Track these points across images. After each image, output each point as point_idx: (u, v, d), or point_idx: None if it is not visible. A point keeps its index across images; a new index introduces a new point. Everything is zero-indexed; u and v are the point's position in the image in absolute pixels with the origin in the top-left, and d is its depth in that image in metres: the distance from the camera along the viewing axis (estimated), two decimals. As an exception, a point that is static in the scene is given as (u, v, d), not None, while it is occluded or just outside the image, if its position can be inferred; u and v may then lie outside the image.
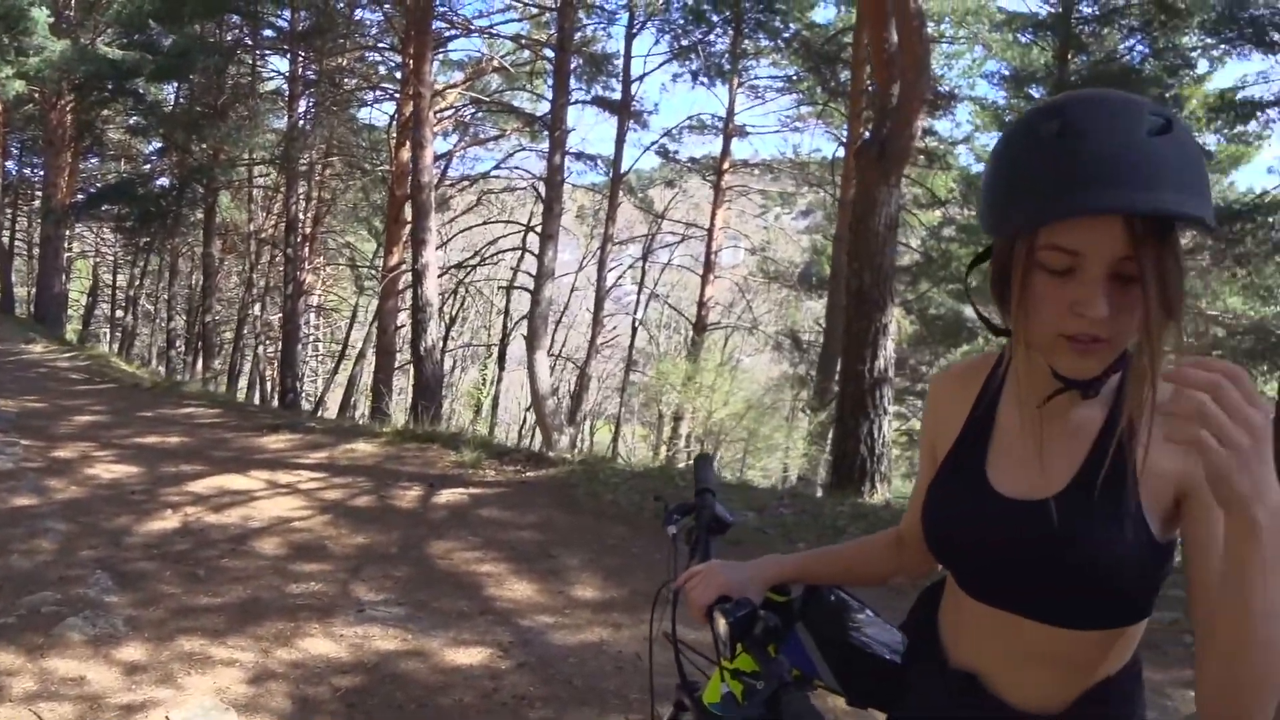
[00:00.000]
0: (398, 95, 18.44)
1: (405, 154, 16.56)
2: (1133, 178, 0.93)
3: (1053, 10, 19.09)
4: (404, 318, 18.49)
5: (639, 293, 26.50)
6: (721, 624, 1.44)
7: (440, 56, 20.25)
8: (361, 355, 23.99)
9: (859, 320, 8.37)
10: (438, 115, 19.24)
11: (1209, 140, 19.64)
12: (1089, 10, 19.20)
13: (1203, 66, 19.33)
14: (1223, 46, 18.86)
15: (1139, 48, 19.09)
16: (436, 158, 19.69)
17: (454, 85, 20.70)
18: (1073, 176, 0.95)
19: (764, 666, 1.37)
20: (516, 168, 21.84)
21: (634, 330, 24.84)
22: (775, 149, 52.33)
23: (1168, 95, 18.61)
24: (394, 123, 19.23)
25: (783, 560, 1.53)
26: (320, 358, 29.04)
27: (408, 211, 16.09)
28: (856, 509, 6.70)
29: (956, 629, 1.25)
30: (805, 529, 6.09)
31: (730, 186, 23.48)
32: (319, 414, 17.83)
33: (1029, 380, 1.14)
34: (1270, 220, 17.09)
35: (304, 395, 23.12)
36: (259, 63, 21.65)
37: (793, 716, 1.25)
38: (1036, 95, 18.43)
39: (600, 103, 20.90)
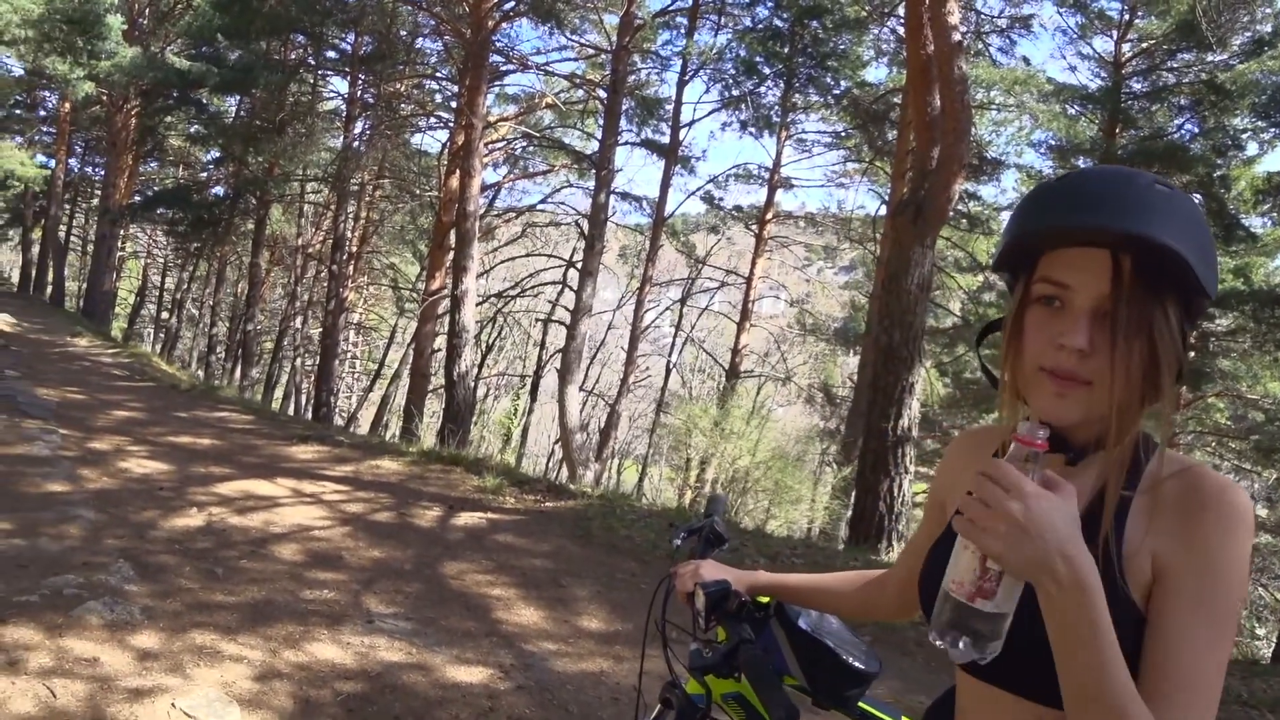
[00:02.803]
0: (451, 124, 18.87)
1: (454, 182, 16.90)
2: (1122, 210, 1.00)
3: (1102, 84, 19.15)
4: (441, 342, 18.72)
5: (675, 335, 26.61)
6: (700, 598, 1.60)
7: (496, 90, 20.70)
8: (397, 376, 24.30)
9: (886, 376, 8.41)
10: (489, 146, 19.60)
11: (1255, 223, 19.53)
12: (1139, 86, 19.26)
13: (1252, 149, 19.23)
14: (1273, 130, 18.83)
15: (1188, 126, 19.08)
16: (485, 188, 20.01)
17: (507, 118, 21.10)
18: (1067, 204, 1.04)
19: (729, 631, 1.55)
20: (562, 203, 22.15)
21: (667, 372, 24.91)
22: (820, 202, 52.36)
23: (1215, 175, 18.58)
24: (445, 150, 19.64)
25: (768, 574, 1.68)
26: (357, 375, 29.43)
27: (452, 238, 16.37)
28: (869, 564, 6.71)
29: (962, 708, 1.23)
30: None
31: (772, 236, 23.62)
32: (350, 430, 18.05)
33: (1010, 419, 1.14)
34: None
35: (338, 410, 23.44)
36: (320, 82, 22.22)
37: (745, 663, 1.46)
38: (1083, 167, 18.40)
39: (649, 145, 21.13)
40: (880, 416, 8.36)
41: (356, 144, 20.64)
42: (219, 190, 23.80)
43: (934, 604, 1.13)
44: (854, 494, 9.23)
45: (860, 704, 1.65)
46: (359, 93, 21.01)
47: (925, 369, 16.28)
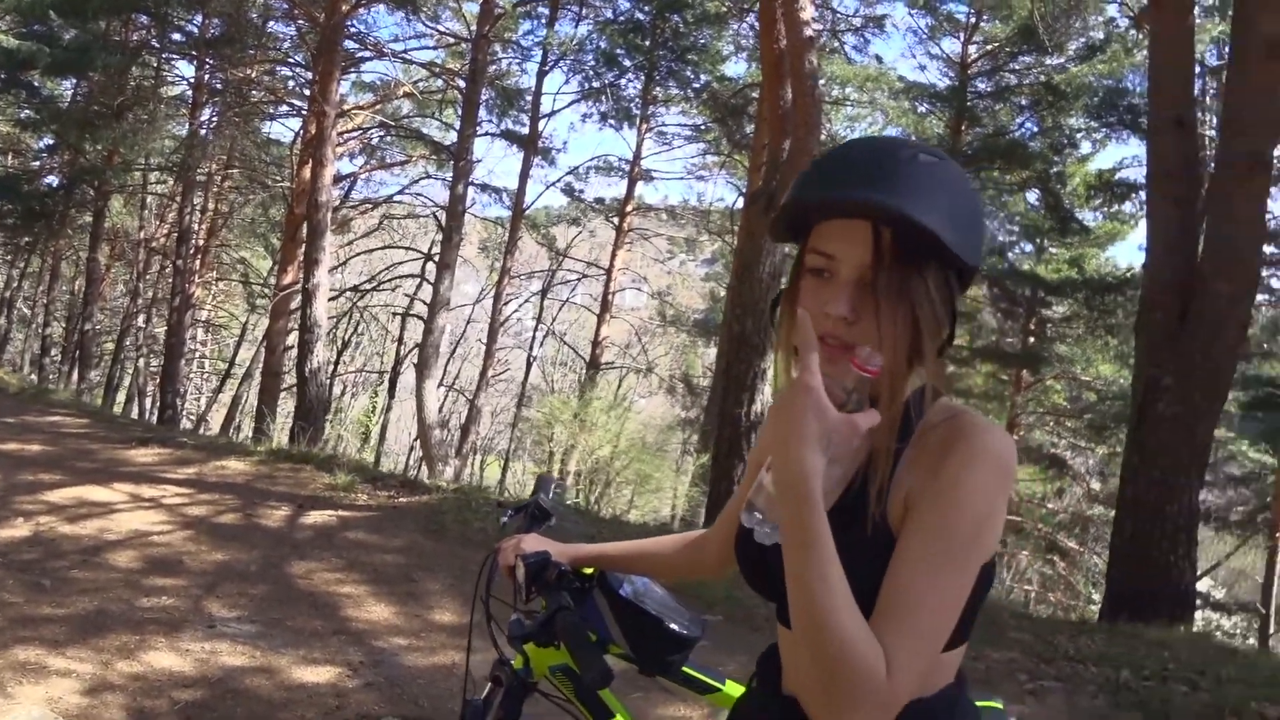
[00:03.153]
0: (304, 112, 18.25)
1: (307, 172, 16.38)
2: (879, 184, 1.03)
3: (950, 84, 19.97)
4: (294, 339, 18.16)
5: (536, 328, 26.53)
6: (520, 569, 1.62)
7: (351, 77, 20.15)
8: (248, 375, 23.44)
9: (739, 364, 8.59)
10: (344, 136, 19.11)
11: (1088, 216, 20.73)
12: (984, 86, 20.17)
13: (1086, 147, 20.39)
14: (1104, 130, 20.04)
15: (1028, 125, 20.09)
16: (340, 178, 19.50)
17: (362, 107, 20.58)
18: (826, 175, 1.09)
19: (549, 600, 1.59)
20: (420, 195, 21.83)
21: (528, 366, 24.85)
22: (680, 195, 53.04)
23: (1053, 171, 19.63)
24: (298, 139, 19.03)
25: (589, 545, 1.71)
26: (205, 375, 28.20)
27: (305, 231, 15.90)
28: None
29: (785, 656, 1.24)
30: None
31: (633, 229, 23.78)
32: (200, 432, 17.34)
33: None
34: (1140, 294, 18.14)
35: (185, 413, 22.44)
36: (164, 66, 21.07)
37: (562, 629, 1.48)
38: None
39: (508, 136, 21.03)
40: (734, 403, 8.54)
41: (203, 131, 19.78)
42: (52, 180, 22.35)
43: (739, 563, 1.27)
44: (710, 479, 9.41)
45: (684, 669, 1.69)
46: (206, 77, 20.06)
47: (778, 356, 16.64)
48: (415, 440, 21.00)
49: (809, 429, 0.97)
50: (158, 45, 20.15)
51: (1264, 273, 17.76)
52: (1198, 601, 11.94)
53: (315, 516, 6.98)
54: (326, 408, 15.82)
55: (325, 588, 5.42)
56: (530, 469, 24.15)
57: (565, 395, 20.90)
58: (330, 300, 17.80)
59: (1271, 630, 17.31)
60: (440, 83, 20.40)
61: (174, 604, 4.84)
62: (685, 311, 25.79)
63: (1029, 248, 21.29)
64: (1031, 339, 20.89)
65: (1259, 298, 19.24)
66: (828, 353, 1.05)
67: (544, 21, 20.01)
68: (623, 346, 26.44)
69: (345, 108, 18.82)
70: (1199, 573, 10.90)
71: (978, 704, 1.48)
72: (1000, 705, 1.53)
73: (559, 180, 22.72)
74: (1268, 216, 9.18)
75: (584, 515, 8.70)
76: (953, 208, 1.06)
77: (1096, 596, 17.69)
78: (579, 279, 26.41)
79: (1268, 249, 18.27)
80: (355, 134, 20.75)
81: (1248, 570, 24.57)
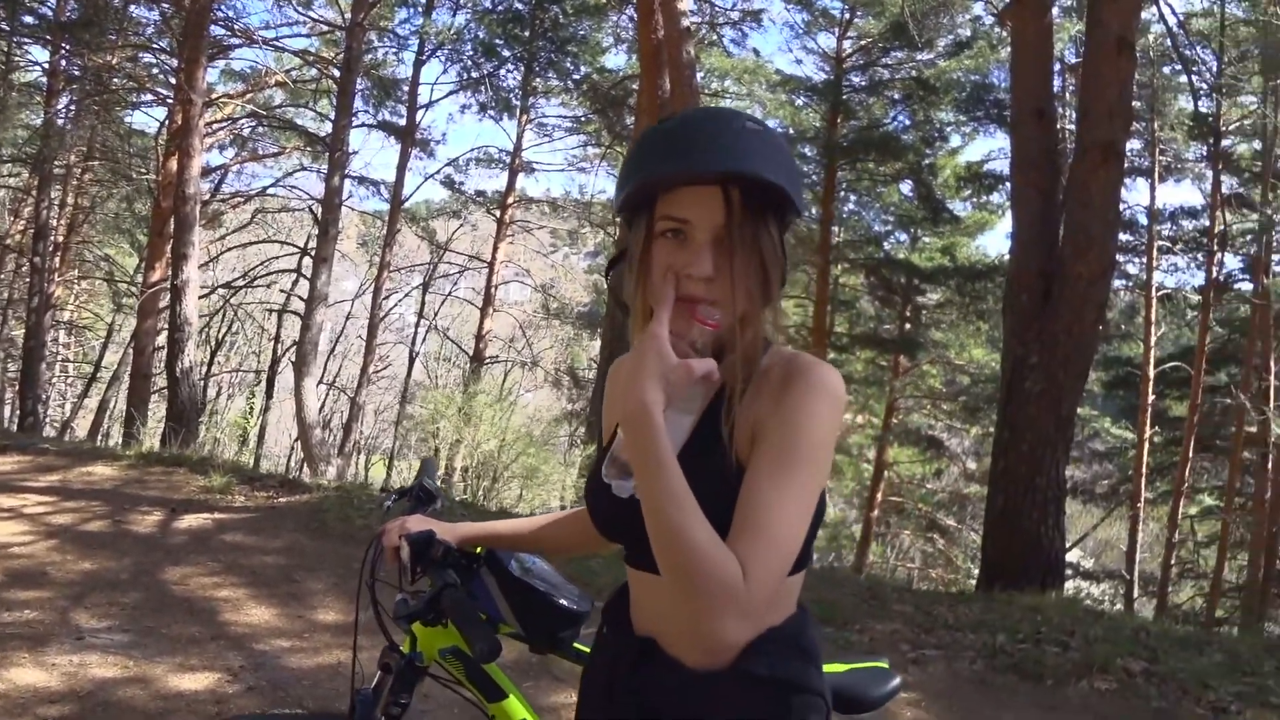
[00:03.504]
0: (170, 101, 17.47)
1: (174, 163, 15.69)
2: (726, 152, 1.14)
3: (826, 77, 20.44)
4: (164, 339, 17.41)
5: (418, 324, 26.10)
6: (405, 549, 1.59)
7: (220, 65, 19.42)
8: (116, 378, 22.39)
9: (620, 353, 8.61)
10: (212, 126, 18.42)
11: (959, 207, 21.51)
12: (858, 80, 20.71)
13: (955, 140, 21.13)
14: (972, 123, 20.81)
15: (901, 118, 20.72)
16: (209, 170, 18.82)
17: (232, 96, 19.82)
18: (676, 148, 1.17)
19: (435, 579, 1.57)
20: (295, 187, 21.20)
21: (411, 361, 24.43)
22: (562, 187, 52.98)
23: (924, 163, 20.29)
24: (164, 130, 18.21)
25: (476, 524, 1.70)
26: (70, 380, 26.84)
27: (172, 225, 15.25)
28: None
29: (636, 600, 1.31)
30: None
31: (515, 221, 23.60)
32: (64, 439, 16.51)
33: None
34: (1006, 277, 18.98)
35: (48, 419, 21.33)
36: (15, 50, 19.88)
37: (448, 605, 1.47)
38: (808, 153, 19.57)
39: (385, 127, 20.62)
40: (615, 392, 8.56)
41: (60, 121, 18.74)
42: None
43: (593, 517, 1.34)
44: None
45: (575, 645, 1.68)
46: (63, 63, 18.99)
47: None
48: (296, 440, 20.47)
49: (650, 367, 1.08)
50: (8, 28, 18.96)
51: (1120, 258, 18.76)
52: (1068, 571, 12.56)
53: (190, 520, 6.72)
54: (200, 409, 15.23)
55: (202, 592, 5.23)
56: (416, 467, 23.70)
57: (449, 390, 20.61)
58: (201, 298, 17.14)
59: (1136, 594, 18.35)
60: (314, 72, 19.82)
61: (38, 617, 4.60)
62: (569, 304, 25.72)
63: (904, 237, 22.01)
64: (907, 325, 21.57)
65: (1117, 283, 20.35)
66: (689, 312, 1.16)
67: (421, 10, 19.68)
68: (507, 340, 26.22)
69: (213, 97, 18.12)
70: (1068, 543, 11.48)
71: (864, 665, 1.54)
72: (886, 665, 1.59)
73: (438, 172, 22.39)
74: (1121, 204, 9.67)
75: (471, 509, 8.61)
76: (786, 166, 1.19)
77: (975, 570, 18.44)
78: (461, 273, 26.11)
79: (1123, 236, 19.33)
80: (225, 124, 19.99)
81: (1113, 540, 25.97)
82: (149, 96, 19.64)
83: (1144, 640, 4.87)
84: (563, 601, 1.64)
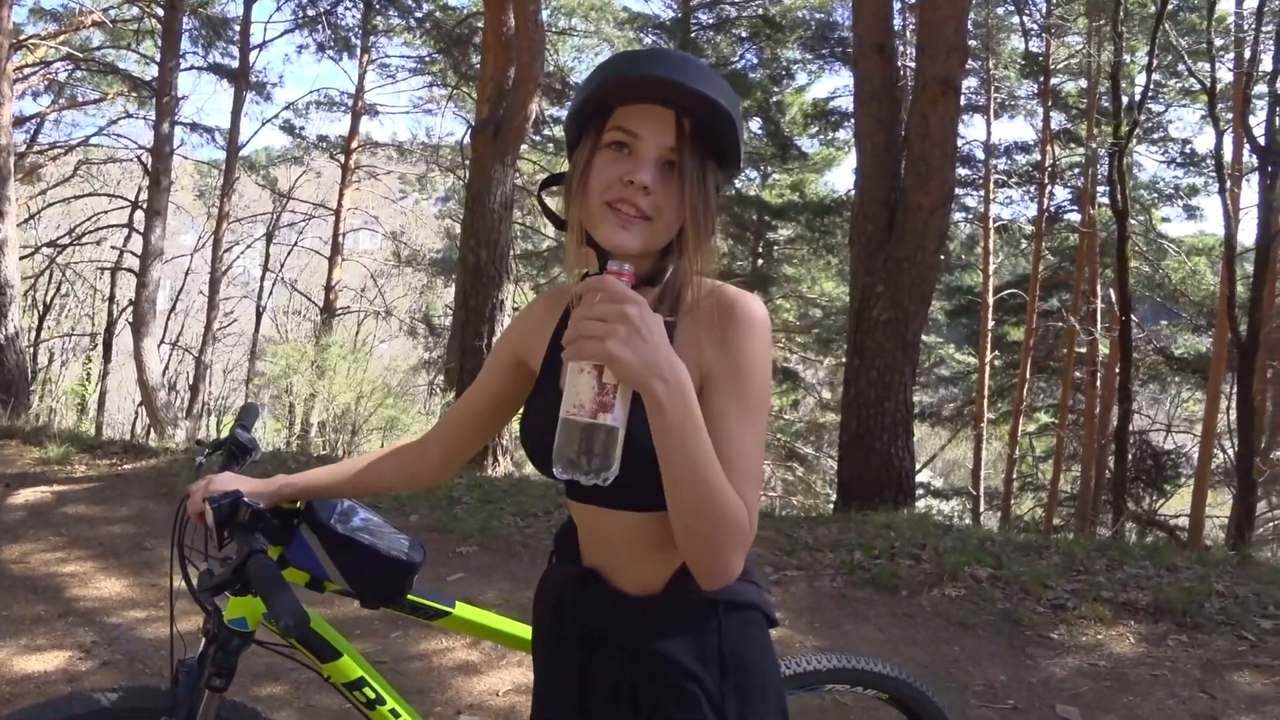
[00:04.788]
0: (-31, 45, 16.10)
1: (-21, 114, 14.52)
2: (684, 71, 1.16)
3: (673, 15, 20.44)
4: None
5: (264, 276, 25.13)
6: (209, 514, 1.47)
7: (28, 3, 17.99)
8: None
9: (476, 295, 8.53)
10: (23, 71, 17.12)
11: (807, 144, 21.98)
12: (706, 18, 20.79)
13: (802, 78, 21.52)
14: (817, 61, 21.21)
15: (749, 56, 20.96)
16: (22, 120, 17.56)
17: (44, 38, 18.40)
18: (636, 59, 1.19)
19: (241, 543, 1.45)
20: (121, 136, 19.97)
21: (259, 316, 23.55)
22: (409, 131, 51.46)
23: (773, 101, 20.62)
24: (-36, 78, 16.79)
25: (292, 476, 1.59)
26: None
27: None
28: (474, 480, 6.79)
29: (582, 534, 1.35)
30: (418, 500, 6.10)
31: (360, 167, 22.89)
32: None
33: (576, 263, 1.27)
34: (852, 209, 19.63)
35: None
36: None
37: (253, 572, 1.35)
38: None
39: (217, 70, 19.57)
40: (474, 335, 8.50)
41: None
42: None
43: (533, 452, 1.29)
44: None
45: (410, 596, 1.62)
46: None
47: (517, 288, 16.69)
48: (139, 405, 19.53)
49: (659, 334, 1.03)
50: None
51: (960, 192, 19.57)
52: (919, 490, 13.18)
53: (26, 495, 6.35)
54: (30, 378, 14.31)
55: (45, 569, 4.96)
56: (273, 425, 23.06)
57: (300, 344, 19.98)
58: (23, 258, 16.04)
59: (982, 509, 19.50)
60: (135, 10, 18.55)
61: None
62: (421, 251, 25.15)
63: (754, 175, 22.35)
64: (760, 261, 21.99)
65: (957, 215, 21.27)
66: (620, 220, 1.18)
67: (250, -57, 18.63)
68: (358, 290, 25.52)
69: (22, 38, 16.81)
70: (918, 464, 12.04)
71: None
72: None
73: (276, 117, 21.58)
74: (960, 139, 10.04)
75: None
76: (738, 119, 1.21)
77: (833, 495, 19.21)
78: (306, 222, 25.19)
79: (962, 170, 20.16)
80: (37, 69, 18.61)
81: (960, 460, 27.46)
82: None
83: (989, 549, 5.17)
84: (392, 553, 1.57)
